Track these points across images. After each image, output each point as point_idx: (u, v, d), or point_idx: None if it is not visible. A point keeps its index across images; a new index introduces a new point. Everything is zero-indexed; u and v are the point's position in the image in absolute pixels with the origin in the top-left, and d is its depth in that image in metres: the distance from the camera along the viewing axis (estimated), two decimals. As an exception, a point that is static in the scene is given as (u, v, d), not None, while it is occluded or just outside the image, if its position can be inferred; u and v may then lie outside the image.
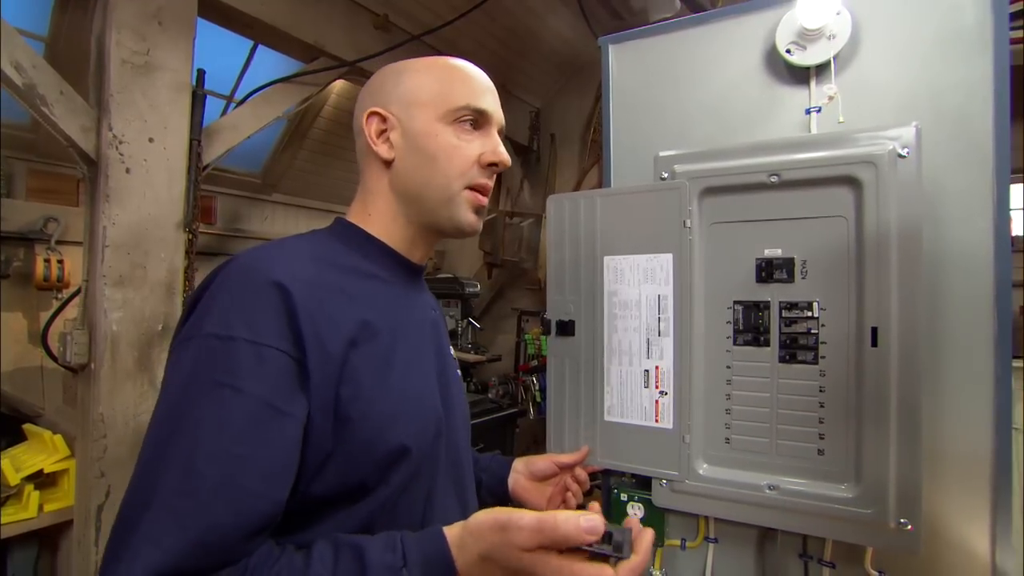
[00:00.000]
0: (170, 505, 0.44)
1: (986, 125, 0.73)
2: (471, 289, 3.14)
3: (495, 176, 0.68)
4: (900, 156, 0.72)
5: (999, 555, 0.71)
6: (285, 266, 0.54)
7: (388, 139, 0.64)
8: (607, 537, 0.46)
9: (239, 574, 0.45)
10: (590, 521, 0.45)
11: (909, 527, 0.70)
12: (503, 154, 0.66)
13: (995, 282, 0.73)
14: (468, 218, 0.65)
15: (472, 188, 0.65)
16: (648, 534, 0.51)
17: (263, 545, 0.48)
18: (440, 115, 0.63)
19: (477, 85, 0.66)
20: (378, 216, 0.66)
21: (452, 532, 0.48)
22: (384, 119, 0.64)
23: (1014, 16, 0.73)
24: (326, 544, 0.48)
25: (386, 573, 0.45)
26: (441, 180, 0.63)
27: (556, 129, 3.78)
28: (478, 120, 0.65)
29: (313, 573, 0.45)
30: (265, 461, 0.48)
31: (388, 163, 0.65)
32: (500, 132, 0.68)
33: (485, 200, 0.67)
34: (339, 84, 3.02)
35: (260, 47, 2.56)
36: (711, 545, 0.89)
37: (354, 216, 0.67)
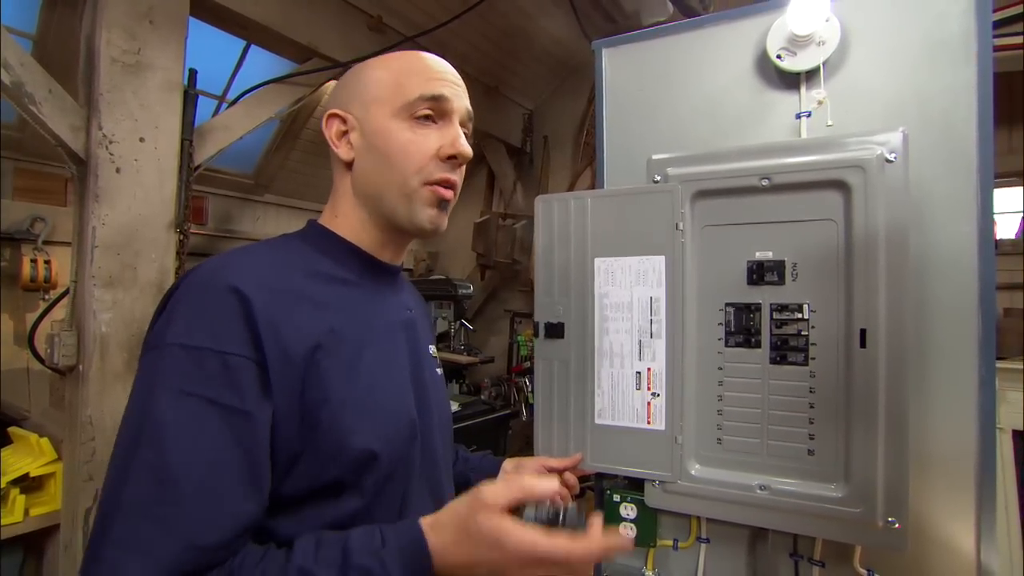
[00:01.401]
0: (153, 514, 0.45)
1: (970, 131, 0.75)
2: (464, 291, 3.15)
3: (460, 169, 0.65)
4: (888, 161, 0.73)
5: (984, 552, 0.73)
6: (247, 273, 0.54)
7: (348, 140, 0.64)
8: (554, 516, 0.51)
9: (226, 574, 0.46)
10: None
11: (896, 525, 0.71)
12: (462, 146, 0.63)
13: (979, 285, 0.74)
14: (427, 214, 0.63)
15: (433, 183, 0.62)
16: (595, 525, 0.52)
17: (245, 545, 0.49)
18: (394, 111, 0.61)
19: (432, 73, 0.63)
20: (344, 218, 0.66)
21: (427, 519, 0.52)
22: (344, 120, 0.64)
23: (997, 24, 0.75)
24: (308, 537, 0.50)
25: (366, 553, 0.48)
26: (398, 178, 0.62)
27: (549, 131, 3.80)
28: (436, 110, 0.62)
29: (295, 563, 0.47)
30: (241, 465, 0.49)
31: (349, 164, 0.64)
32: (466, 122, 0.66)
33: (449, 194, 0.64)
34: (332, 85, 3.00)
35: (252, 47, 2.55)
36: (703, 545, 0.90)
37: (324, 218, 0.67)
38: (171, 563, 0.44)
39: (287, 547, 0.49)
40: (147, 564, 0.44)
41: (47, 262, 2.29)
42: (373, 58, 0.66)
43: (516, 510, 0.50)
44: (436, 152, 0.62)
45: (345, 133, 0.64)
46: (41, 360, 1.67)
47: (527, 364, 3.42)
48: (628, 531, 0.92)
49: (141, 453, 0.47)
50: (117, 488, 0.47)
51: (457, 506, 0.51)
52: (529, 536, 0.48)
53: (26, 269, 2.24)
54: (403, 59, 0.64)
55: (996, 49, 0.79)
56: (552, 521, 0.50)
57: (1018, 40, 1.53)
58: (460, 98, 0.64)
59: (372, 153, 0.63)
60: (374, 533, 0.50)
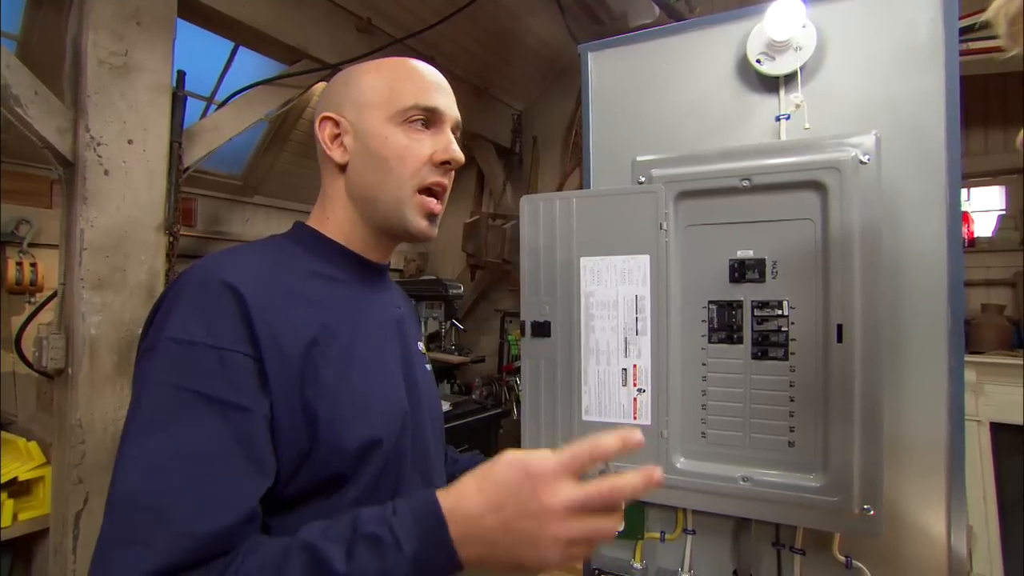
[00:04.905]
0: (142, 505, 0.45)
1: (939, 133, 0.78)
2: (454, 291, 3.15)
3: (451, 174, 0.68)
4: (862, 162, 0.76)
5: (954, 536, 0.76)
6: (241, 271, 0.55)
7: (342, 143, 0.65)
8: None
9: (231, 560, 0.46)
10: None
11: (872, 512, 0.74)
12: (455, 151, 0.65)
13: (948, 280, 0.77)
14: (419, 224, 0.65)
15: (426, 188, 0.65)
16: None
17: (253, 535, 0.49)
18: (390, 116, 0.63)
19: (426, 83, 0.65)
20: (335, 220, 0.67)
21: (443, 490, 0.48)
22: (337, 123, 0.65)
23: (963, 31, 0.78)
24: (320, 521, 0.49)
25: (376, 521, 0.45)
26: (393, 182, 0.63)
27: (538, 131, 3.81)
28: (429, 118, 0.65)
29: (300, 537, 0.46)
30: (238, 454, 0.49)
31: (343, 167, 0.66)
32: (456, 129, 0.68)
33: (439, 208, 0.67)
34: (321, 87, 3.00)
35: (241, 49, 2.54)
36: (689, 536, 0.92)
37: (313, 220, 0.69)
38: (166, 551, 0.43)
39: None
40: (140, 555, 0.43)
41: (33, 265, 2.27)
42: (363, 63, 0.68)
43: None
44: (430, 157, 0.64)
45: (338, 136, 0.66)
46: (28, 363, 1.66)
47: (518, 363, 3.43)
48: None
49: (130, 451, 0.47)
50: (112, 488, 0.47)
51: (496, 473, 0.47)
52: (557, 456, 0.46)
53: (11, 272, 2.21)
54: (396, 65, 0.66)
55: (963, 53, 0.82)
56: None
57: (984, 44, 1.58)
58: (451, 108, 0.67)
59: (368, 156, 0.64)
60: (387, 505, 0.48)
